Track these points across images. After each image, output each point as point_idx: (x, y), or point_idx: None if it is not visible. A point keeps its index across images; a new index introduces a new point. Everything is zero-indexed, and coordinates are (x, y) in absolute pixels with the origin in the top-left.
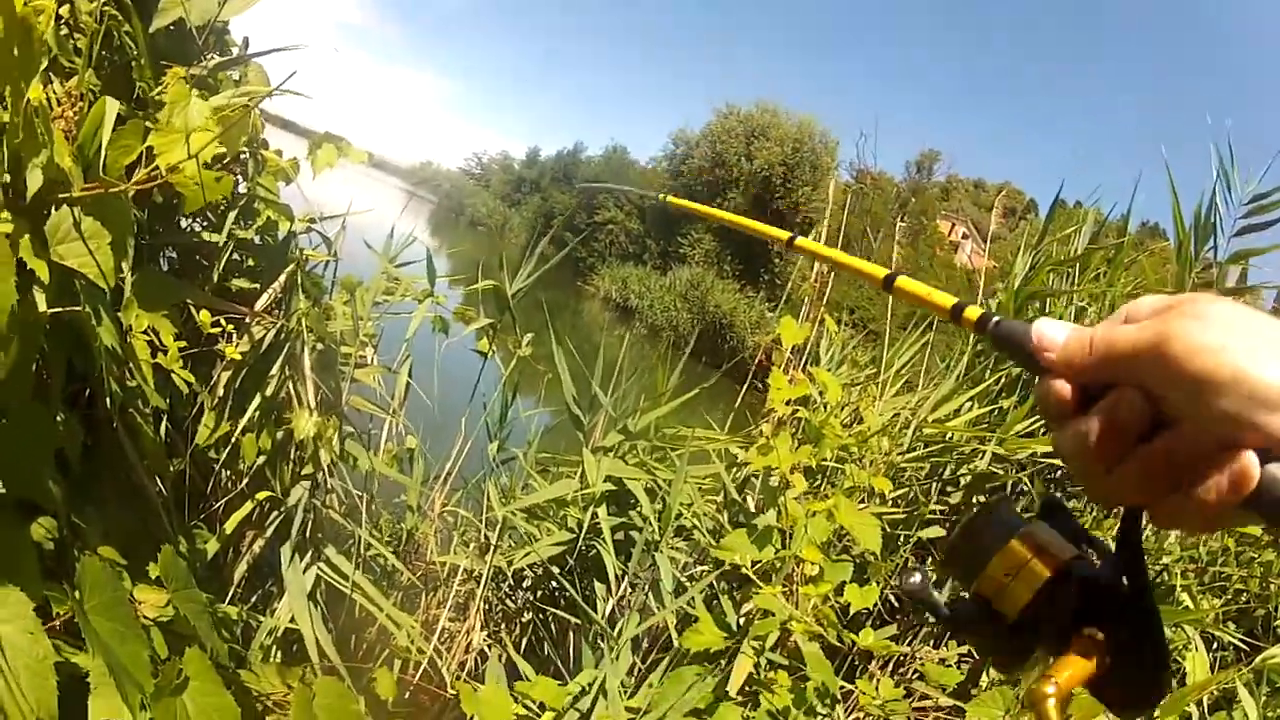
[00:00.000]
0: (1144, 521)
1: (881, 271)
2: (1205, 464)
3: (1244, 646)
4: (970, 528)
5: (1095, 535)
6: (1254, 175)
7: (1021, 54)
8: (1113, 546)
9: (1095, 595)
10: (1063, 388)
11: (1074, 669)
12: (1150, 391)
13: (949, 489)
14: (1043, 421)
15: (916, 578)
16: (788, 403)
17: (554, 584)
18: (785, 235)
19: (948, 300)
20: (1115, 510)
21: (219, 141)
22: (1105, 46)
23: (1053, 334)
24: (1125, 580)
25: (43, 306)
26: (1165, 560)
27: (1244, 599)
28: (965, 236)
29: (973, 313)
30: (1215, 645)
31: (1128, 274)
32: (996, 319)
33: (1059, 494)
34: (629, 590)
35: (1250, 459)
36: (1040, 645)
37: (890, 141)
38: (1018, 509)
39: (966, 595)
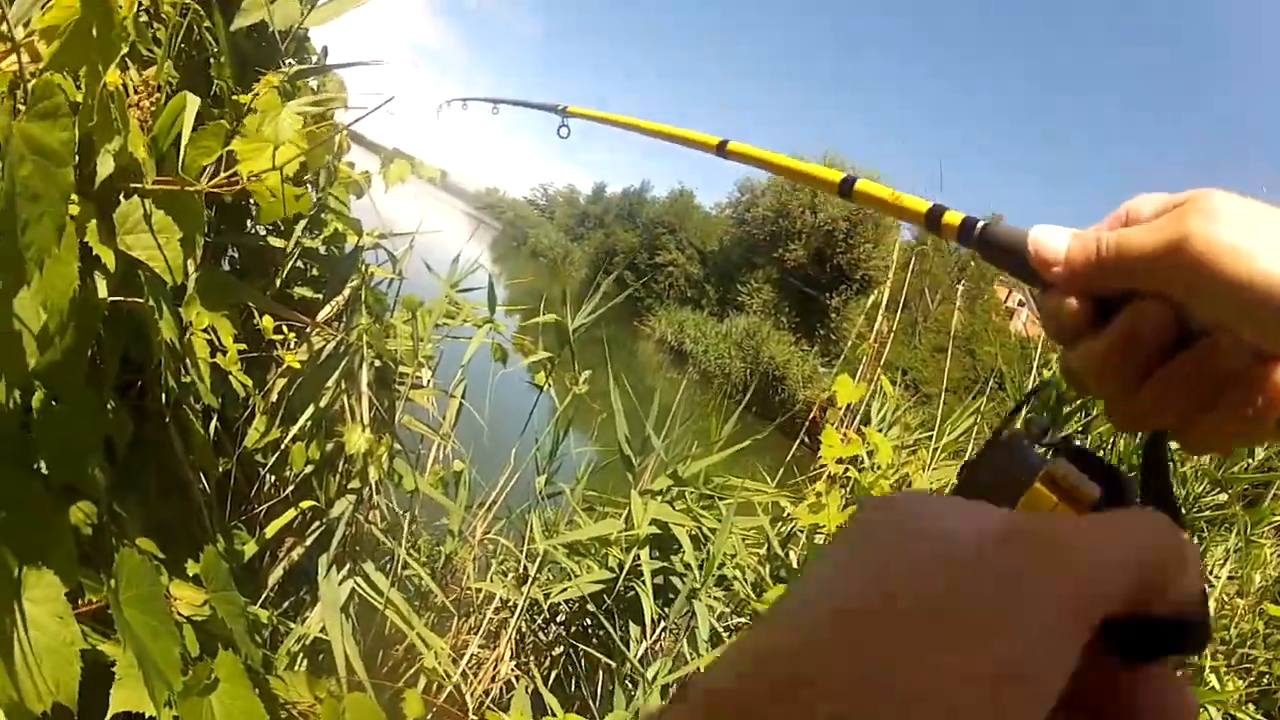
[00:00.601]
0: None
1: (837, 175)
2: (1238, 378)
3: None
4: (983, 468)
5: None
6: None
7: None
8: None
9: None
10: (1072, 305)
11: None
12: (1171, 300)
13: None
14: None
15: None
16: (838, 461)
17: (588, 621)
18: (715, 140)
19: (921, 205)
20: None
21: (304, 157)
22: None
23: (1052, 241)
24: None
25: (103, 293)
26: None
27: (1265, 681)
28: (1021, 304)
29: (953, 217)
30: None
31: None
32: (983, 223)
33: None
34: (664, 635)
35: None
36: None
37: (953, 200)
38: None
39: None
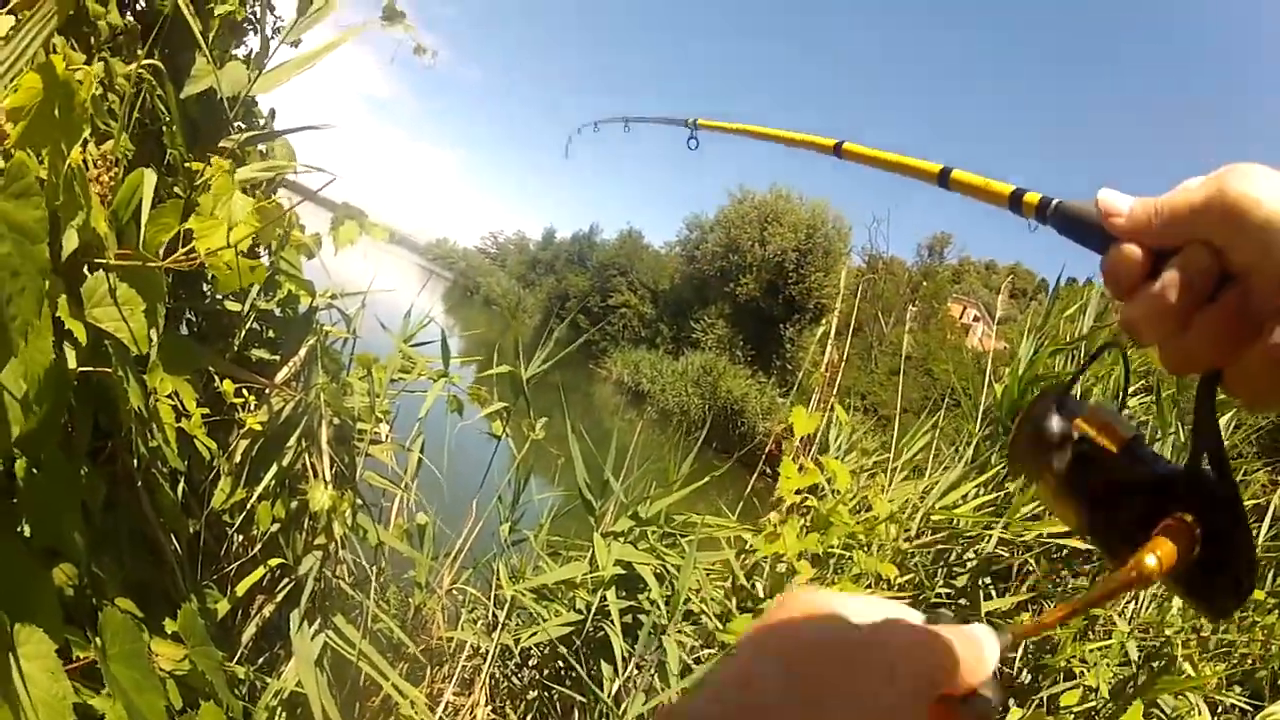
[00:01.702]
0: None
1: (935, 168)
2: (1273, 311)
3: (1248, 708)
4: (1031, 419)
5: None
6: None
7: (1035, 121)
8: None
9: (1174, 478)
10: (1133, 251)
11: (1165, 549)
12: (1215, 246)
13: (956, 572)
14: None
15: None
16: (797, 491)
17: (560, 663)
18: (831, 142)
19: (1005, 188)
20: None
21: (257, 234)
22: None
23: (1117, 201)
24: (1207, 461)
25: (73, 364)
26: (1168, 632)
27: (1248, 662)
28: (976, 319)
29: (1033, 198)
30: (1220, 709)
31: (1133, 350)
32: (1056, 201)
33: (1065, 571)
34: (635, 671)
35: None
36: (1119, 530)
37: (899, 222)
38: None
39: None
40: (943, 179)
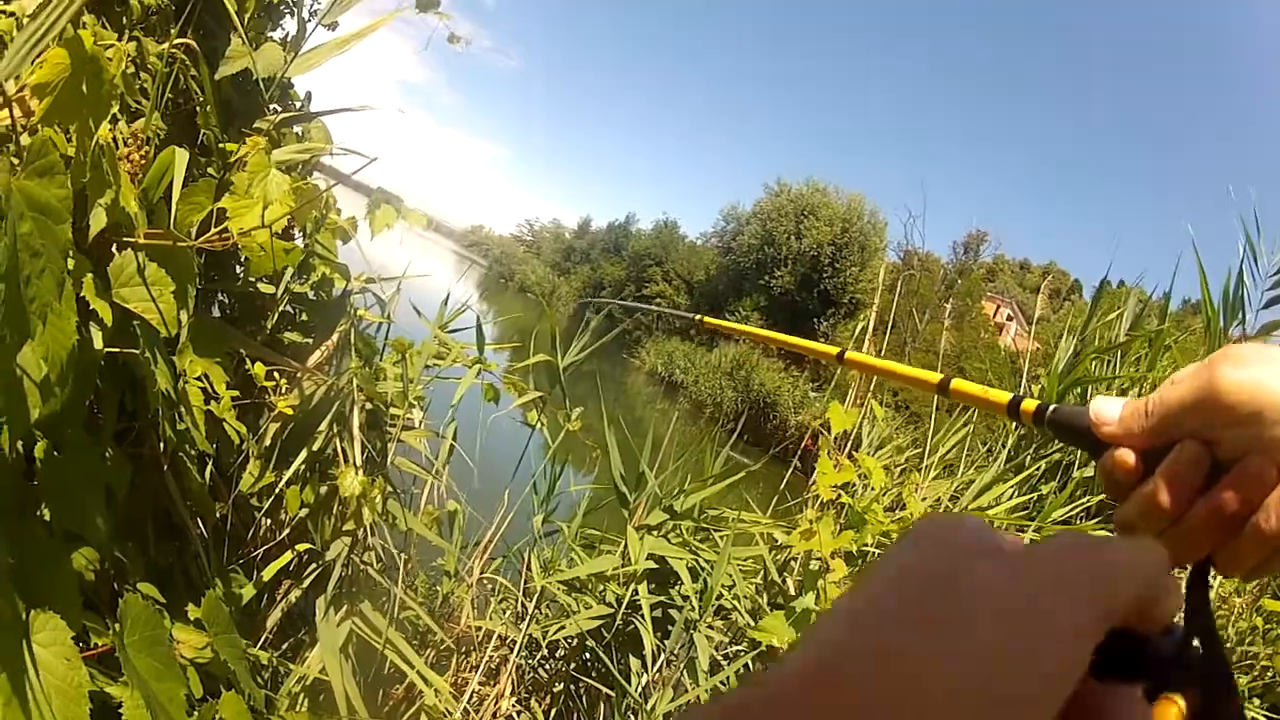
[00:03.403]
0: (1210, 576)
1: (935, 377)
2: (1263, 495)
3: None
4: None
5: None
6: None
7: (1069, 134)
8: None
9: (1167, 661)
10: (1126, 455)
11: None
12: (1206, 439)
13: None
14: (1084, 507)
15: None
16: (832, 487)
17: (588, 655)
18: (834, 351)
19: (1003, 397)
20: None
21: (293, 215)
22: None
23: (1109, 409)
24: (1198, 643)
25: (99, 345)
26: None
27: (1270, 675)
28: (1010, 318)
29: (1029, 405)
30: None
31: (1166, 356)
32: (1053, 407)
33: None
34: (664, 666)
35: None
36: None
37: (934, 219)
38: None
39: None
40: (942, 388)
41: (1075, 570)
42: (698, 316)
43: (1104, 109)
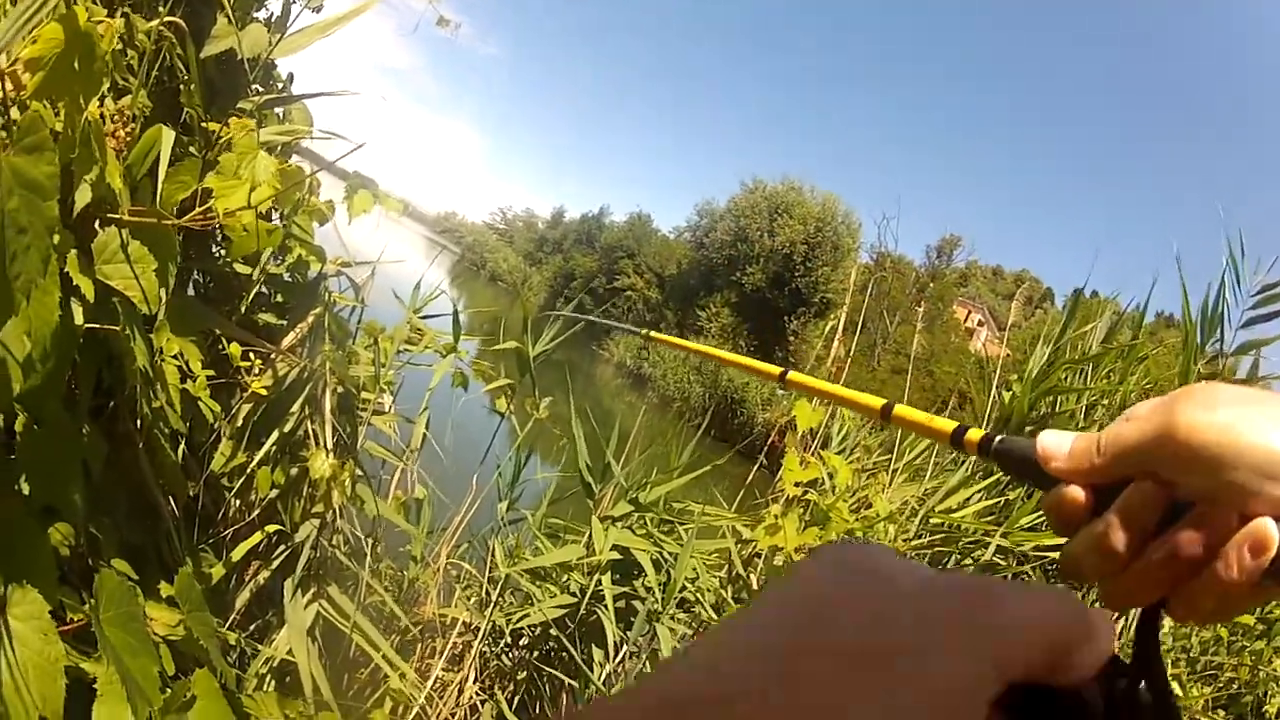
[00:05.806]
0: (1161, 620)
1: (878, 402)
2: (1223, 541)
3: None
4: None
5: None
6: (1264, 265)
7: (1047, 140)
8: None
9: (1116, 708)
10: (1075, 492)
11: None
12: (1162, 479)
13: None
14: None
15: None
16: (797, 484)
17: (551, 644)
18: (776, 370)
19: (948, 426)
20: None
21: (277, 197)
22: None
23: (1057, 443)
24: (1145, 688)
25: (80, 320)
26: None
27: (1235, 686)
28: (981, 323)
29: (974, 435)
30: None
31: (1139, 369)
32: (999, 438)
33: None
34: (628, 657)
35: (1269, 524)
36: None
37: (909, 223)
38: None
39: None
40: (885, 414)
41: (969, 617)
42: (645, 332)
43: (1086, 124)
